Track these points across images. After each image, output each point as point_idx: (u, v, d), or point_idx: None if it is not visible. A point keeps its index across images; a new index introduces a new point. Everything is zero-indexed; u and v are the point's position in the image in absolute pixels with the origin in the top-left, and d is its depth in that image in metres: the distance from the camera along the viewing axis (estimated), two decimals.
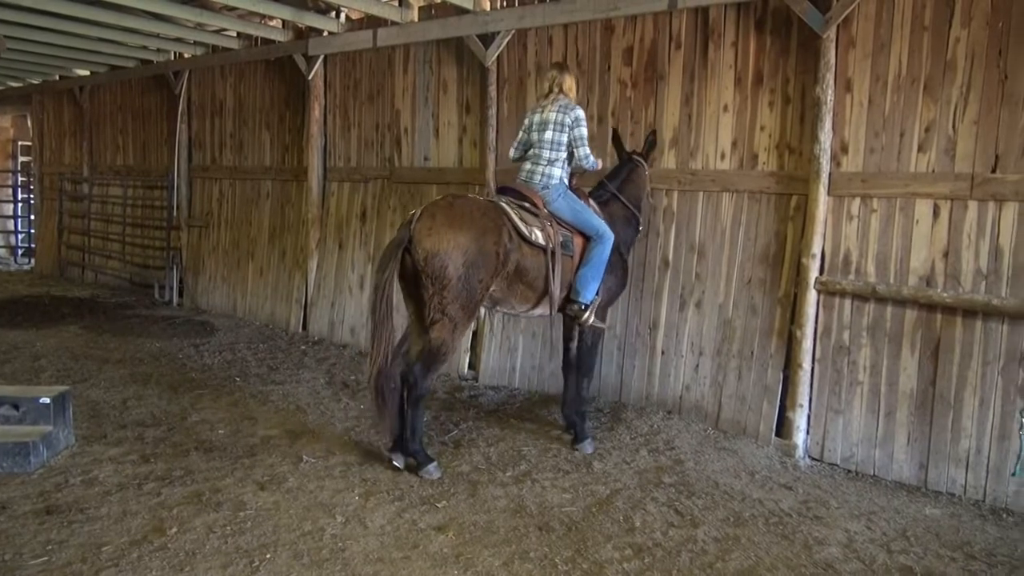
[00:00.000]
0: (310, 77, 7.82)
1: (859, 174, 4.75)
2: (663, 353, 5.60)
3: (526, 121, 4.94)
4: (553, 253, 4.58)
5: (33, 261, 13.13)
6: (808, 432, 4.93)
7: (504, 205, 4.55)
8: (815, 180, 4.84)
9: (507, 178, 5.49)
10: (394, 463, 4.36)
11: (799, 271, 4.96)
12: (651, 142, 5.32)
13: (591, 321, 4.76)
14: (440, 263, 4.18)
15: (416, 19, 6.92)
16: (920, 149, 4.55)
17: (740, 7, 5.20)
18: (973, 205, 4.38)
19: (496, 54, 6.34)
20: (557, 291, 4.64)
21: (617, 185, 5.16)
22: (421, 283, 4.28)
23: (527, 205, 4.66)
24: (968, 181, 4.38)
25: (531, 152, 4.84)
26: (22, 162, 14.57)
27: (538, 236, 4.55)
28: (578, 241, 4.77)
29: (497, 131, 6.47)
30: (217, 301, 9.38)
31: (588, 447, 4.82)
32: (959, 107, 4.42)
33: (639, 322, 5.72)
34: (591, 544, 3.60)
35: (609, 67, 5.85)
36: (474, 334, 6.60)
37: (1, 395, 4.54)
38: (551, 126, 4.73)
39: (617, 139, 5.37)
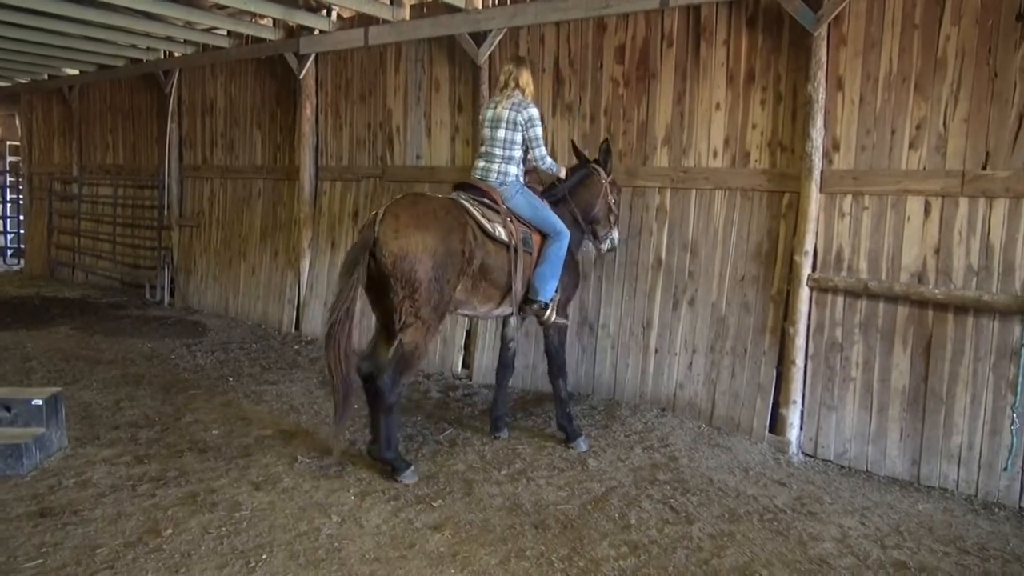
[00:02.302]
0: (301, 76, 7.79)
1: (851, 171, 4.78)
2: (657, 351, 5.61)
3: (481, 115, 4.87)
4: (516, 249, 4.53)
5: (22, 262, 13.05)
6: (801, 428, 4.95)
7: (465, 202, 4.49)
8: (807, 177, 4.86)
9: None
10: (403, 479, 4.25)
11: (792, 268, 4.98)
12: (605, 150, 5.18)
13: (554, 318, 4.73)
14: (409, 266, 4.07)
15: (408, 17, 6.91)
16: (911, 146, 4.58)
17: (731, 5, 5.22)
18: (964, 202, 4.41)
19: (488, 52, 6.34)
20: (520, 288, 4.58)
21: (569, 187, 5.06)
22: (389, 287, 4.14)
23: (487, 201, 4.59)
24: (959, 178, 4.40)
25: (484, 149, 4.78)
26: (11, 162, 14.47)
27: (501, 232, 4.49)
28: (536, 239, 4.72)
29: None
30: (209, 301, 9.34)
31: (583, 444, 4.83)
32: (950, 105, 4.45)
33: (632, 320, 5.74)
34: (587, 542, 3.61)
35: (601, 65, 5.86)
36: (468, 333, 6.60)
37: None
38: (504, 124, 4.67)
39: (576, 149, 5.30)
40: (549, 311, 4.69)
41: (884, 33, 4.64)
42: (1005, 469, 4.26)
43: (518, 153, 4.72)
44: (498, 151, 4.70)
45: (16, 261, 13.51)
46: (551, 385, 5.02)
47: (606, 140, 5.28)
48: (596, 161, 5.22)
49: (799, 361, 4.93)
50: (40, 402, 4.43)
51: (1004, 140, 4.29)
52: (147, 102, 10.19)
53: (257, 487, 4.11)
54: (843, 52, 4.77)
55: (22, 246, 13.30)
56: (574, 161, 5.29)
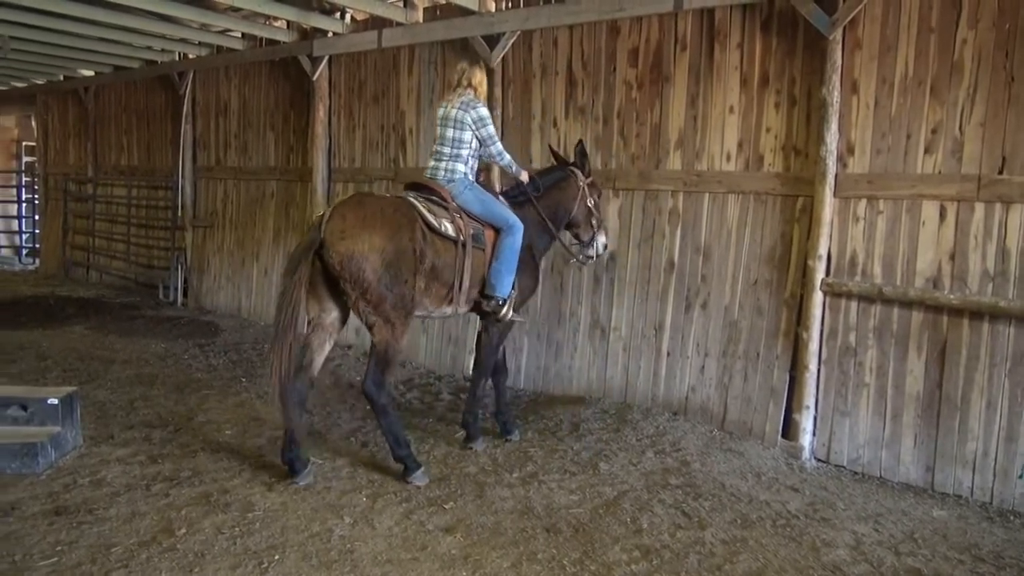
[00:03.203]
0: (315, 78, 7.82)
1: (865, 175, 4.75)
2: (669, 354, 5.60)
3: (436, 114, 4.85)
4: (464, 245, 4.49)
5: (37, 261, 13.15)
6: (814, 434, 4.93)
7: (412, 200, 4.47)
8: (821, 182, 4.83)
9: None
10: (413, 480, 4.26)
11: (805, 273, 4.96)
12: (580, 152, 5.14)
13: (510, 315, 4.71)
14: (357, 266, 4.06)
15: (421, 20, 6.92)
16: (927, 151, 4.55)
17: (746, 8, 5.20)
18: (980, 207, 4.38)
19: (501, 55, 6.35)
20: (467, 284, 4.54)
21: (536, 189, 5.00)
22: (339, 287, 4.16)
23: (435, 199, 4.57)
24: (975, 183, 4.38)
25: (435, 148, 4.76)
26: (26, 162, 14.60)
27: (448, 228, 4.46)
28: (489, 234, 4.67)
29: (502, 132, 6.47)
30: (222, 301, 9.39)
31: (480, 445, 4.85)
32: (966, 109, 4.42)
33: (644, 323, 5.73)
34: (599, 546, 3.60)
35: (614, 68, 5.86)
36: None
37: (9, 396, 4.55)
38: (452, 123, 4.64)
39: (553, 151, 5.33)
40: (505, 308, 4.66)
41: (900, 36, 4.61)
42: (1021, 476, 4.22)
43: (466, 151, 4.68)
44: (446, 150, 4.68)
45: (31, 260, 13.63)
46: (471, 380, 5.03)
47: (580, 142, 5.23)
48: (573, 164, 5.17)
49: (812, 366, 4.91)
50: (56, 401, 4.46)
51: (1021, 144, 4.25)
52: (161, 103, 10.26)
53: (270, 488, 4.13)
54: (858, 55, 4.75)
55: (37, 246, 13.41)
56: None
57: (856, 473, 4.73)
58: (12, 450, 4.17)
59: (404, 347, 4.72)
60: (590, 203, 5.16)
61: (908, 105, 4.60)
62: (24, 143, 14.70)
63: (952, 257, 4.48)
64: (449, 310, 4.70)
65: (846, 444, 4.81)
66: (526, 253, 4.79)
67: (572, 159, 5.24)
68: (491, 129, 4.69)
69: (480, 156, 4.79)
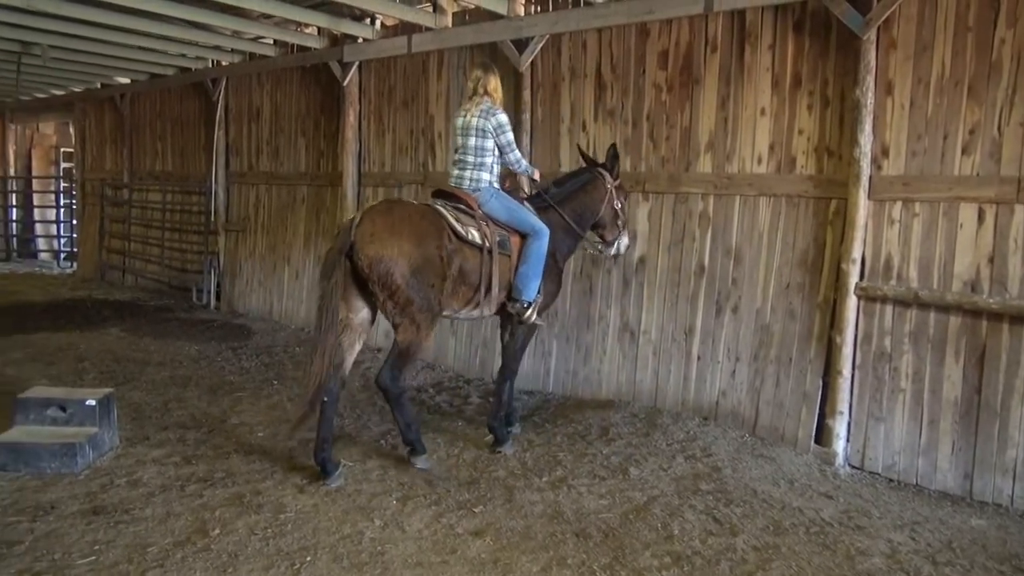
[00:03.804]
0: (345, 83, 7.90)
1: (901, 177, 4.67)
2: (699, 358, 5.56)
3: (453, 123, 4.93)
4: (490, 251, 4.60)
5: (75, 265, 13.44)
6: (848, 440, 4.85)
7: (440, 208, 4.57)
8: (855, 184, 4.77)
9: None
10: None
11: (839, 276, 4.89)
12: (613, 155, 5.16)
13: (534, 318, 4.81)
14: (385, 269, 4.19)
15: (450, 25, 6.96)
16: (964, 152, 4.47)
17: (777, 9, 5.15)
18: (1020, 209, 4.28)
19: (530, 59, 6.35)
20: (496, 289, 4.66)
21: (561, 194, 5.07)
22: (367, 288, 4.30)
23: (462, 207, 4.66)
24: (1014, 185, 4.28)
25: (457, 157, 4.85)
26: (64, 168, 14.94)
27: (474, 235, 4.57)
28: (515, 240, 4.78)
29: (531, 136, 6.49)
30: (253, 304, 9.51)
31: (508, 449, 4.88)
32: (1005, 109, 4.33)
33: (675, 327, 5.69)
34: (629, 551, 3.58)
35: (644, 71, 5.83)
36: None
37: (49, 397, 4.65)
38: (473, 132, 4.72)
39: (582, 152, 5.38)
40: (530, 311, 4.77)
41: (936, 36, 4.53)
42: None
43: (490, 159, 4.77)
44: (470, 158, 4.76)
45: (69, 264, 13.93)
46: (497, 384, 5.11)
47: (613, 145, 5.24)
48: (603, 165, 5.20)
49: (846, 371, 4.83)
50: (94, 402, 4.56)
51: None
52: (195, 110, 10.43)
53: (301, 490, 4.17)
54: (893, 56, 4.67)
55: (75, 249, 13.70)
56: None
57: (891, 480, 4.65)
58: (52, 450, 4.27)
59: (428, 348, 4.77)
60: (617, 205, 5.20)
61: (945, 106, 4.52)
62: (62, 149, 15.06)
63: (991, 260, 4.39)
64: (476, 313, 4.82)
65: (881, 450, 4.74)
66: (549, 259, 4.87)
67: (602, 160, 5.25)
68: (510, 136, 4.78)
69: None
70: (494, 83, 4.82)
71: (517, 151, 4.84)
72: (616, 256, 5.45)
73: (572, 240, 5.16)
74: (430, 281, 4.33)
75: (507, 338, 5.08)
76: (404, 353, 4.38)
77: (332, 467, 4.29)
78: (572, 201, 5.08)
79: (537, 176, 5.21)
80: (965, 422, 4.45)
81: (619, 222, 5.25)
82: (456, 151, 4.88)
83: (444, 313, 4.69)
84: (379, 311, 4.43)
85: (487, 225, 4.66)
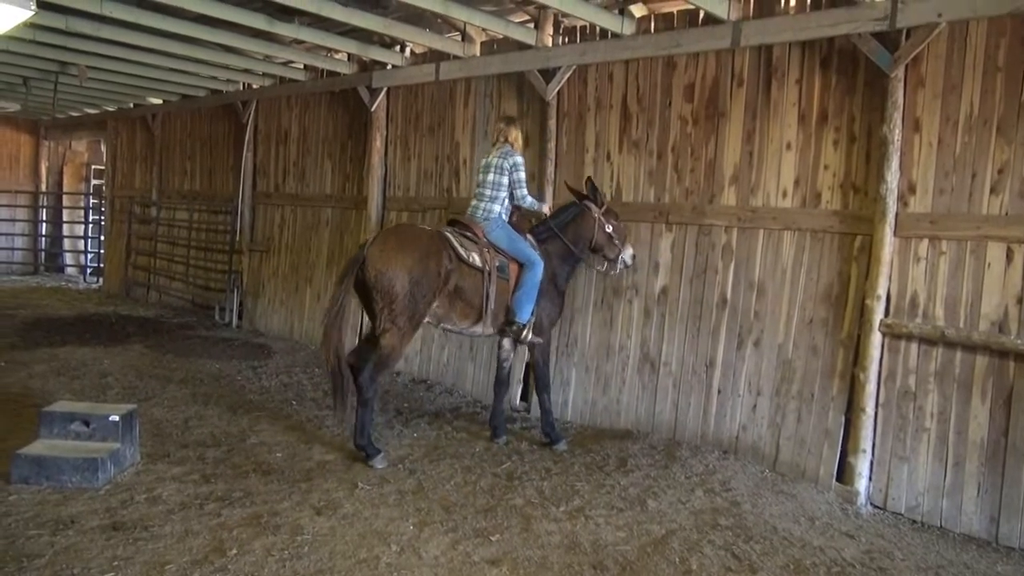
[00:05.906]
0: (373, 108, 8.01)
1: (927, 215, 4.65)
2: (720, 391, 5.52)
3: (477, 164, 5.62)
4: (489, 274, 5.24)
5: (101, 280, 13.64)
6: (871, 479, 4.78)
7: (447, 233, 5.28)
8: (881, 220, 4.75)
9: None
10: (373, 464, 4.91)
11: (863, 312, 4.85)
12: (592, 188, 5.68)
13: (529, 337, 5.38)
14: (388, 279, 4.87)
15: (478, 53, 7.06)
16: (993, 191, 4.44)
17: (805, 45, 5.18)
18: None
19: (557, 89, 6.41)
20: (492, 308, 5.28)
21: (557, 225, 5.65)
22: (372, 297, 4.95)
23: (468, 234, 5.36)
24: None
25: (476, 191, 5.58)
26: (95, 185, 15.22)
27: (475, 258, 5.23)
28: (513, 268, 5.42)
29: (556, 164, 6.53)
30: (275, 324, 9.58)
31: (563, 445, 5.51)
32: None
33: (695, 359, 5.66)
34: None
35: (670, 103, 5.87)
36: (528, 366, 6.60)
37: (73, 411, 4.70)
38: (492, 170, 5.45)
39: (569, 187, 5.89)
40: (525, 331, 5.36)
41: (965, 75, 4.53)
42: None
43: (503, 194, 5.46)
44: (487, 192, 5.46)
45: (95, 279, 14.13)
46: (537, 397, 5.78)
47: (589, 178, 5.78)
48: (586, 197, 5.69)
49: (869, 408, 4.78)
50: (116, 418, 4.60)
51: None
52: (224, 131, 10.61)
53: (318, 512, 4.17)
54: (921, 94, 4.68)
55: (102, 265, 13.91)
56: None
57: (915, 521, 4.57)
58: (74, 464, 4.30)
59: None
60: (608, 229, 5.68)
61: (973, 144, 4.51)
62: (93, 166, 15.35)
63: (1019, 301, 4.33)
64: (478, 328, 5.45)
65: (904, 491, 4.66)
66: (548, 283, 5.52)
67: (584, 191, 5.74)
68: (522, 175, 5.46)
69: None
70: (515, 134, 5.55)
71: (524, 189, 5.48)
72: (627, 267, 5.83)
73: (571, 266, 5.76)
74: (423, 292, 4.95)
75: (501, 355, 5.77)
76: (385, 359, 5.00)
77: (373, 451, 4.94)
78: (566, 233, 5.65)
79: (546, 209, 5.79)
80: (992, 464, 4.37)
81: (615, 242, 5.71)
82: (477, 186, 5.58)
83: (446, 327, 5.40)
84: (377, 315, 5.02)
85: (488, 251, 5.32)
